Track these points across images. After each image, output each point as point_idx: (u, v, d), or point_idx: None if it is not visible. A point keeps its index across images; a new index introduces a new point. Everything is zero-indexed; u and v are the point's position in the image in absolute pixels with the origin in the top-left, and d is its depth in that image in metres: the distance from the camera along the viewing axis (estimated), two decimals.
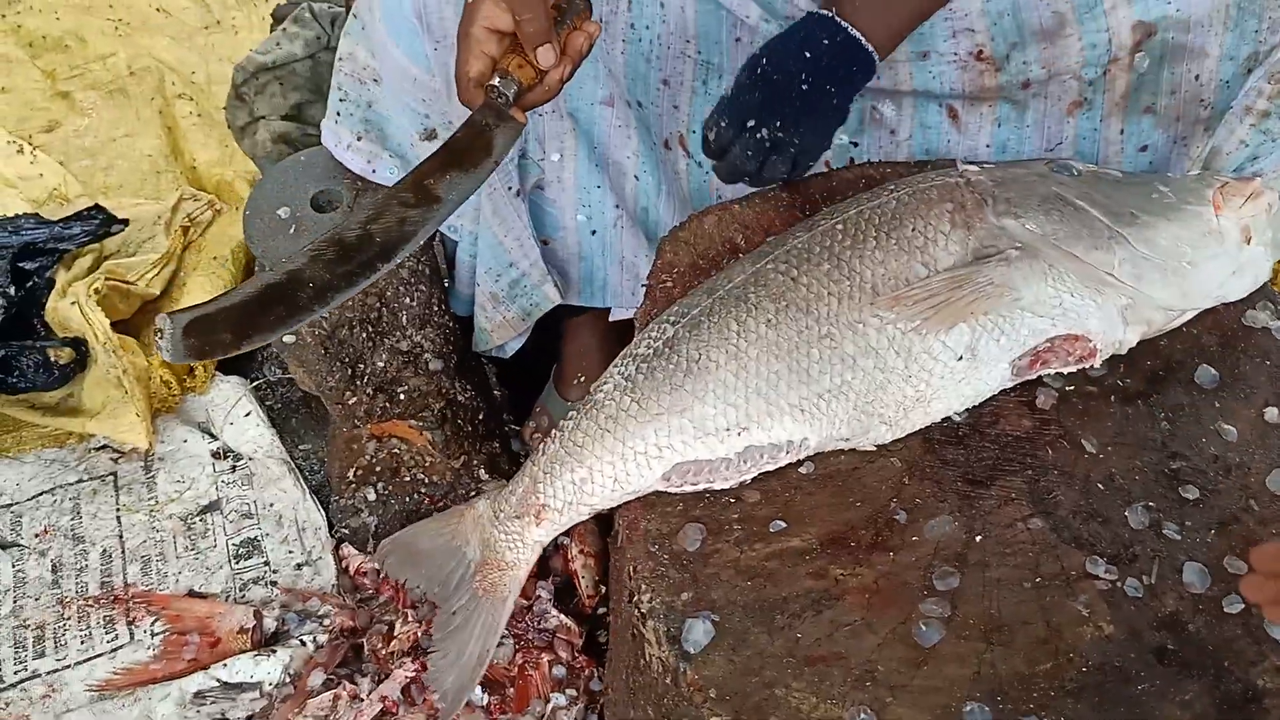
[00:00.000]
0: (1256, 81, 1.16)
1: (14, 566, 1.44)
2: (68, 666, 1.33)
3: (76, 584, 1.42)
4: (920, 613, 0.83)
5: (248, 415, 1.61)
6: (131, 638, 1.35)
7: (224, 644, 1.33)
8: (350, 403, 1.45)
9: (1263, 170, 1.17)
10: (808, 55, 1.06)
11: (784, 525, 0.90)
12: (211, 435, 1.60)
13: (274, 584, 1.42)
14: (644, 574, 0.87)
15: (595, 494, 0.95)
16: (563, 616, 1.31)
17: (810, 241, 0.99)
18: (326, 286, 0.96)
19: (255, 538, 1.47)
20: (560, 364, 1.65)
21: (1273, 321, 1.04)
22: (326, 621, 1.35)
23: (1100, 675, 0.79)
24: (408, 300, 1.43)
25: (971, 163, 1.05)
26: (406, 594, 1.33)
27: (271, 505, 1.51)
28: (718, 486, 0.93)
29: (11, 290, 1.60)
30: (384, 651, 1.29)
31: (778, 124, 1.06)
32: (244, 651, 1.31)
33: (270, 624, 1.35)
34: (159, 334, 0.91)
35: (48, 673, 1.32)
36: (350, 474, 1.48)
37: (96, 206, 1.75)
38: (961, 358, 0.93)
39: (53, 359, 1.57)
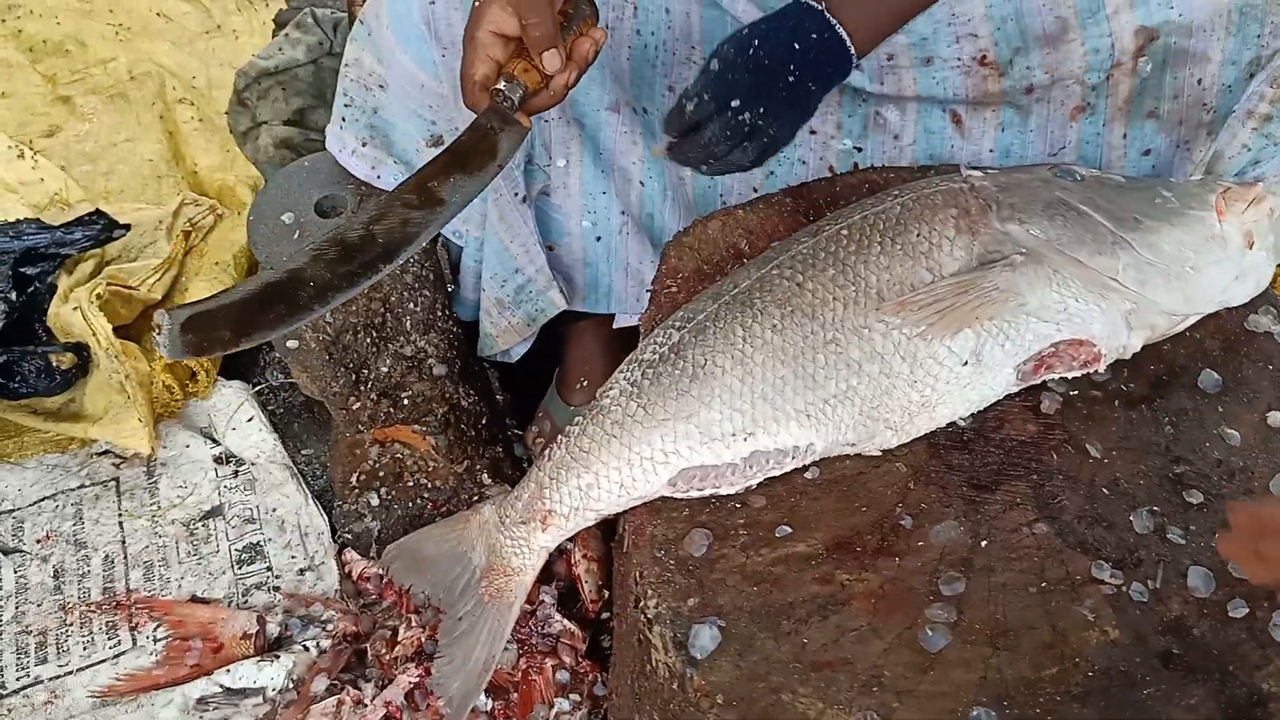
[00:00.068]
0: (1259, 86, 1.16)
1: (16, 572, 1.44)
2: (70, 673, 1.32)
3: (79, 589, 1.42)
4: (926, 618, 0.83)
5: (250, 420, 1.61)
6: (134, 643, 1.35)
7: (227, 650, 1.32)
8: (354, 408, 1.45)
9: (1265, 174, 1.17)
10: (796, 47, 1.03)
11: (790, 530, 0.90)
12: (214, 440, 1.59)
13: (277, 589, 1.41)
14: (650, 579, 0.87)
15: (601, 499, 0.95)
16: (566, 621, 1.31)
17: (815, 247, 0.99)
18: (327, 286, 0.96)
19: (258, 543, 1.47)
20: (563, 368, 1.65)
21: (1275, 326, 1.04)
22: (330, 627, 1.35)
23: (1106, 680, 0.79)
24: (412, 305, 1.43)
25: (975, 168, 1.05)
26: (410, 599, 1.32)
27: (274, 510, 1.51)
28: (724, 492, 0.93)
29: (13, 295, 1.60)
30: (388, 657, 1.29)
31: (761, 110, 1.02)
32: (247, 657, 1.31)
33: (273, 629, 1.35)
34: (157, 329, 0.90)
35: (50, 679, 1.32)
36: (353, 479, 1.48)
37: (98, 211, 1.75)
38: (966, 363, 0.93)
39: (55, 364, 1.57)
